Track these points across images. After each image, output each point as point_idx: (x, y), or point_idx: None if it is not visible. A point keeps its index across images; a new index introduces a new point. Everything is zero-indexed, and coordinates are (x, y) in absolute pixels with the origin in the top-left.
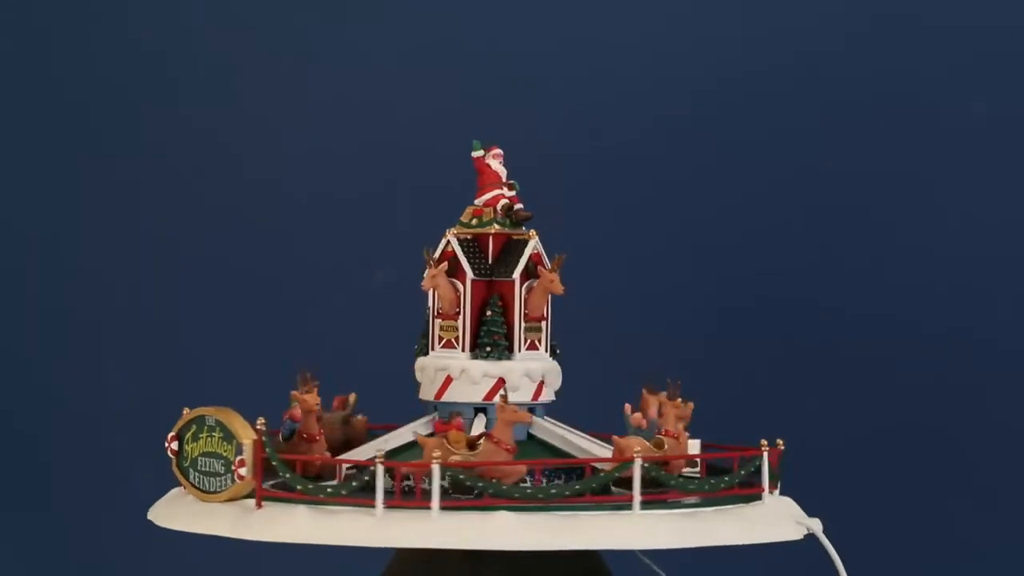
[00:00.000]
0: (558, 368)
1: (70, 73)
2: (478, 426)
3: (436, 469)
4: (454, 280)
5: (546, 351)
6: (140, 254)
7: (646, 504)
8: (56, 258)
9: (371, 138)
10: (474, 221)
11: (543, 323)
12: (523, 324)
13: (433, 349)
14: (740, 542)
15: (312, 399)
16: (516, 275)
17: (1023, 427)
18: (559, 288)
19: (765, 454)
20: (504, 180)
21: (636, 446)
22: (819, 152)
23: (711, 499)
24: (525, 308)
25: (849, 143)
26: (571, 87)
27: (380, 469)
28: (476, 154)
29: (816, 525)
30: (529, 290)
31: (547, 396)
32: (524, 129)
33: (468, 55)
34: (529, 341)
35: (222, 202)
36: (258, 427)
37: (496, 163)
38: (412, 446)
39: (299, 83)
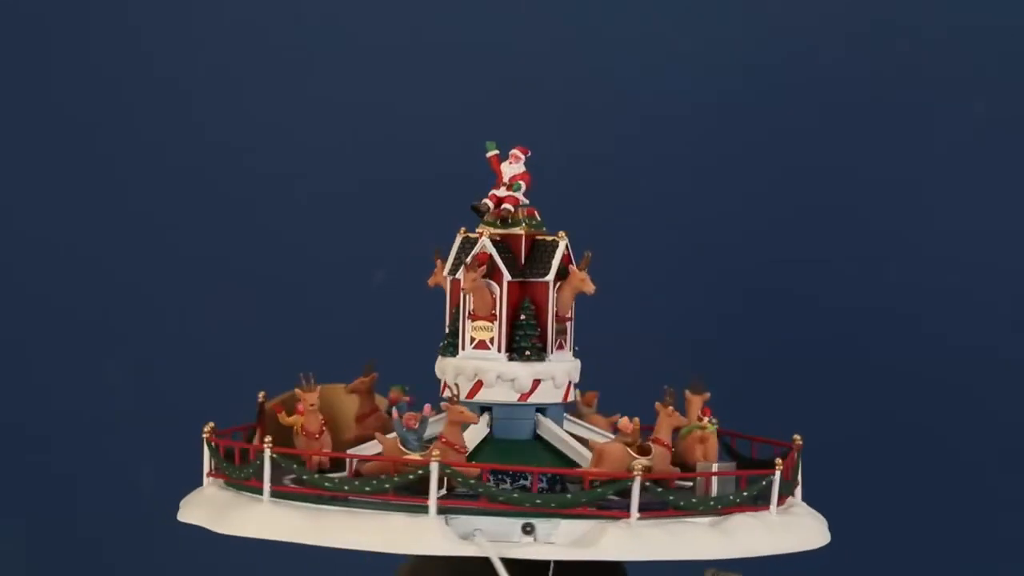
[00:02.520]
0: (512, 369)
1: (70, 72)
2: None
3: None
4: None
5: (499, 351)
6: (141, 253)
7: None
8: (57, 257)
9: (374, 138)
10: None
11: (492, 323)
12: (469, 323)
13: None
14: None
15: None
16: (458, 274)
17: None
18: (590, 286)
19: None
20: (504, 180)
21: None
22: (822, 153)
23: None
24: (471, 307)
25: (853, 144)
26: (572, 88)
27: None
28: (489, 154)
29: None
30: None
31: (487, 396)
32: (525, 129)
33: (472, 55)
34: (476, 340)
35: (224, 201)
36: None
37: (507, 164)
38: None
39: (302, 80)
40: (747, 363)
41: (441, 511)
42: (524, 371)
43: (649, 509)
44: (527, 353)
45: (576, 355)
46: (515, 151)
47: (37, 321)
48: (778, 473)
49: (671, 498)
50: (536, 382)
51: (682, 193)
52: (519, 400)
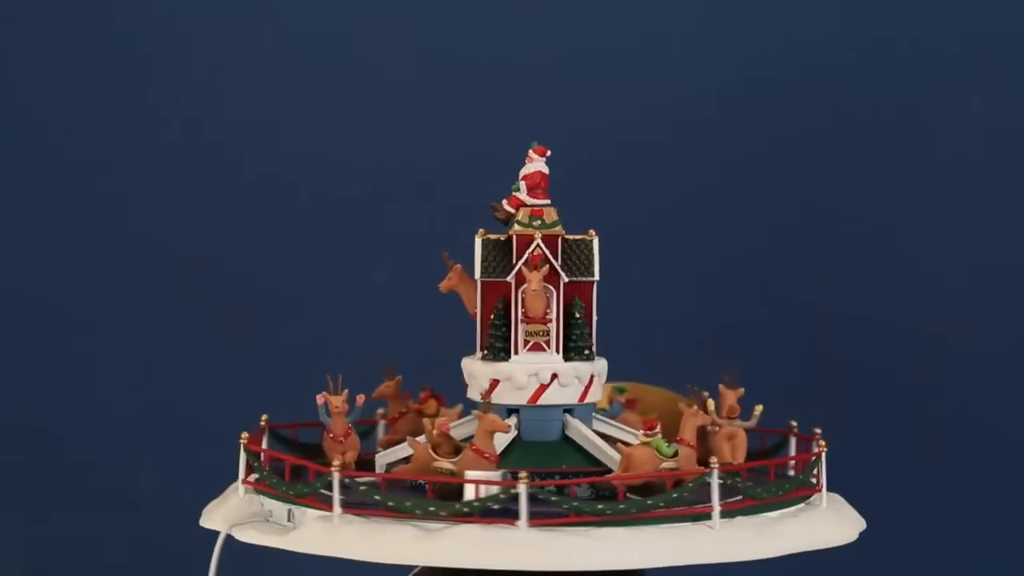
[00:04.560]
0: (475, 368)
1: (72, 75)
2: None
3: None
4: None
5: (478, 350)
6: (142, 254)
7: None
8: (57, 258)
9: (380, 138)
10: None
11: (476, 323)
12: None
13: None
14: None
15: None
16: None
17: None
18: (533, 287)
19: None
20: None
21: None
22: (832, 155)
23: None
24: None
25: (863, 146)
26: (575, 94)
27: None
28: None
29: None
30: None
31: (470, 394)
32: (529, 134)
33: (481, 59)
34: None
35: (223, 203)
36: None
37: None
38: None
39: (304, 85)
40: (768, 360)
41: (252, 492)
42: (483, 371)
43: (355, 506)
44: (485, 352)
45: (577, 357)
46: (530, 152)
47: (37, 321)
48: (523, 486)
49: (380, 497)
50: (494, 382)
51: (690, 199)
52: (482, 399)
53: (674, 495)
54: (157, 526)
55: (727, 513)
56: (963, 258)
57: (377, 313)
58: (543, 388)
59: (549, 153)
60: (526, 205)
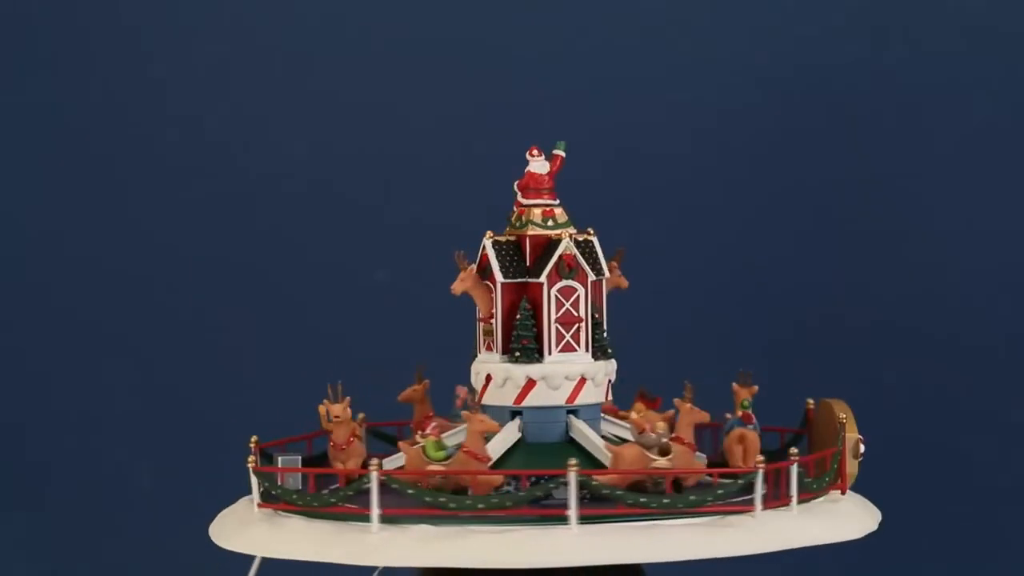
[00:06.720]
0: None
1: (73, 73)
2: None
3: None
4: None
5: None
6: (141, 253)
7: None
8: (56, 257)
9: (383, 137)
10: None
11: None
12: None
13: None
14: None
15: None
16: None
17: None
18: (452, 287)
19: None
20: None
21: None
22: (844, 154)
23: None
24: None
25: (865, 149)
26: (580, 96)
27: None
28: (553, 152)
29: None
30: None
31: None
32: (533, 135)
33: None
34: None
35: (223, 203)
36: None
37: None
38: None
39: (312, 83)
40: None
41: None
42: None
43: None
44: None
45: (508, 358)
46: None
47: (37, 321)
48: (250, 468)
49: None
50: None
51: (700, 199)
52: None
53: (342, 493)
54: (157, 526)
55: (410, 518)
56: (965, 259)
57: (379, 312)
58: (484, 388)
59: (536, 152)
60: (522, 206)
